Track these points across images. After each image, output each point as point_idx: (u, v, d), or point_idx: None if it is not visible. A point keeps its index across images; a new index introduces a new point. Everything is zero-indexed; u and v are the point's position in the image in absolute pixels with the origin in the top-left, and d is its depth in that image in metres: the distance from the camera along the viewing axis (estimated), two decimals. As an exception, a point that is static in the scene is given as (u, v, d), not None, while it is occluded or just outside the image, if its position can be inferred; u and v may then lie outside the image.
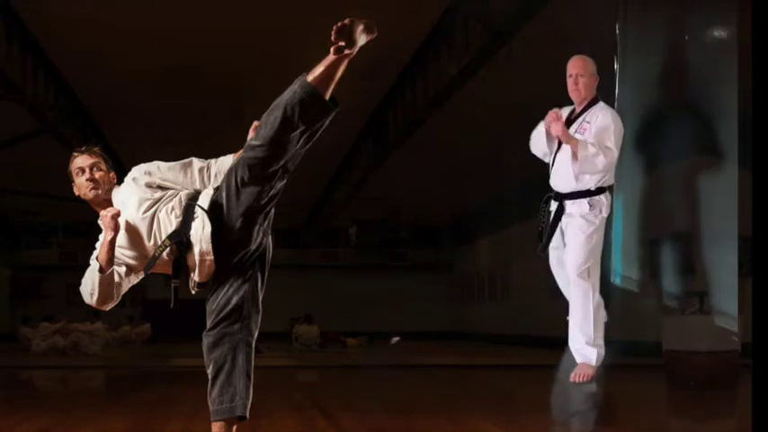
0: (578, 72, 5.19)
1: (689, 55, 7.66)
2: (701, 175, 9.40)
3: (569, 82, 5.23)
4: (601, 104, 5.27)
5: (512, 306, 19.17)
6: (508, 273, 19.51)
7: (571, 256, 5.16)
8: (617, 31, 6.56)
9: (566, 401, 5.74)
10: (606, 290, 5.48)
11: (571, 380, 5.26)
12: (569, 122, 5.26)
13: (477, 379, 9.57)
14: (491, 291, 21.26)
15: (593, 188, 5.17)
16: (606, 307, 5.31)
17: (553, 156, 5.30)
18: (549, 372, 6.76)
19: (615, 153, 5.12)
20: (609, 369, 5.64)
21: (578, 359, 5.25)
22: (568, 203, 5.19)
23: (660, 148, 9.19)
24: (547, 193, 5.39)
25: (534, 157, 5.58)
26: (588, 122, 5.20)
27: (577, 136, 5.16)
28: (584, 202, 5.17)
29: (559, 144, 5.25)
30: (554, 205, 5.27)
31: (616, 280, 8.04)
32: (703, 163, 9.36)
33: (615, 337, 5.59)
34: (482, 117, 11.68)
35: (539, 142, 5.36)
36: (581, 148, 5.05)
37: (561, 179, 5.23)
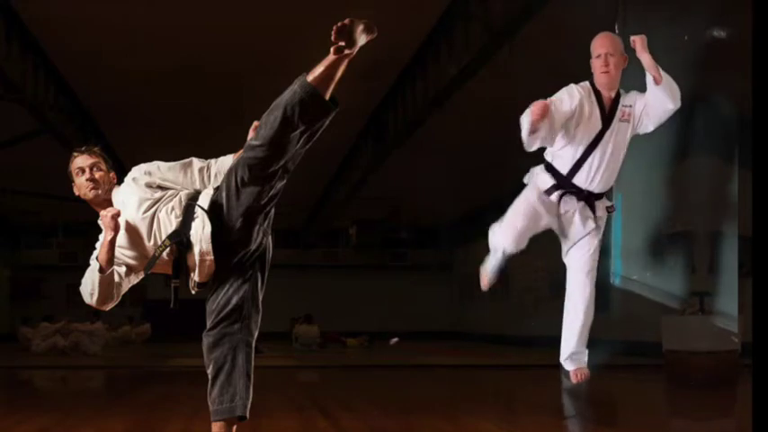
0: (608, 51, 4.41)
1: (689, 55, 7.66)
2: (701, 175, 9.41)
3: (597, 63, 4.46)
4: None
5: (512, 306, 19.15)
6: (508, 273, 19.48)
7: (586, 255, 5.03)
8: (617, 31, 6.54)
9: (566, 401, 5.74)
10: (606, 290, 5.46)
11: (574, 381, 5.21)
12: (610, 113, 4.62)
13: (477, 379, 9.58)
14: (491, 291, 21.11)
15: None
16: (607, 307, 5.28)
17: (582, 154, 4.86)
18: (549, 372, 6.77)
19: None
20: (609, 369, 5.63)
21: (571, 366, 4.99)
22: (598, 204, 4.99)
23: (660, 147, 9.19)
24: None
25: (534, 157, 5.52)
26: (629, 106, 4.62)
27: (623, 123, 4.76)
28: (606, 201, 4.99)
29: (593, 144, 4.84)
30: (573, 204, 4.97)
31: (616, 280, 8.04)
32: (703, 163, 9.37)
33: (615, 337, 5.57)
34: (482, 117, 11.67)
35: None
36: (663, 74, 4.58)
37: (601, 179, 4.82)
